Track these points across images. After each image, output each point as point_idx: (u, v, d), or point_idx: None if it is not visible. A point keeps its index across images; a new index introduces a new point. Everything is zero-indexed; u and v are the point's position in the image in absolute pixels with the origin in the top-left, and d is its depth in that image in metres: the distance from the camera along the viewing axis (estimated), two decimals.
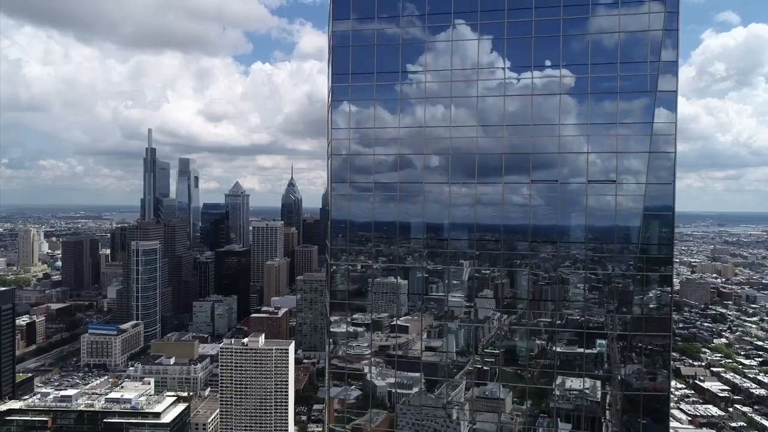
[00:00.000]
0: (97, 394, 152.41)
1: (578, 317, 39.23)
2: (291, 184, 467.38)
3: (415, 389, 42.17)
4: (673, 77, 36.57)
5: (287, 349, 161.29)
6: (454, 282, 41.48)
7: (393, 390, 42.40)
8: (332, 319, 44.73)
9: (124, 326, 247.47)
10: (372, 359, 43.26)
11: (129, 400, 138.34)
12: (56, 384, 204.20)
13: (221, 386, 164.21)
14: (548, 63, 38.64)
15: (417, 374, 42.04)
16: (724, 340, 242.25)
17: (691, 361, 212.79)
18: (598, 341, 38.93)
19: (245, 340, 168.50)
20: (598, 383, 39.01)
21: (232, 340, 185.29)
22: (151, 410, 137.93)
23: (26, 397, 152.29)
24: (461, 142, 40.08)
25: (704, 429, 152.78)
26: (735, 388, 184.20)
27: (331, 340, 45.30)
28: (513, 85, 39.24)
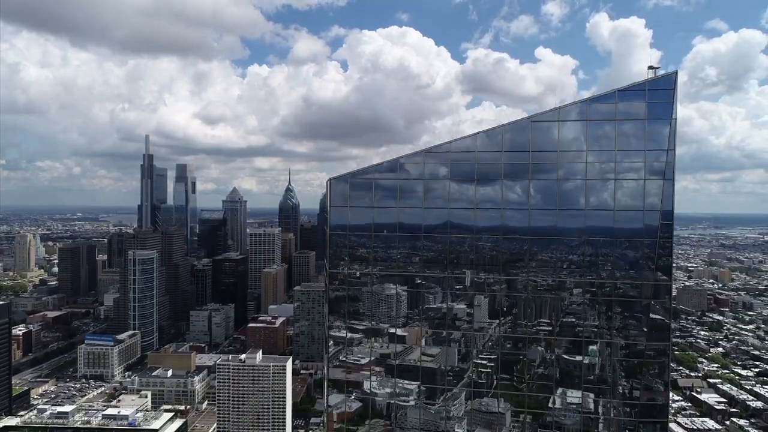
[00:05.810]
0: (94, 409, 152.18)
1: (575, 326, 39.27)
2: (289, 189, 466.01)
3: (413, 401, 41.92)
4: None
5: (284, 366, 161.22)
6: (456, 287, 41.28)
7: (392, 401, 42.20)
8: (330, 328, 44.47)
9: (120, 336, 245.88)
10: (371, 369, 43.01)
11: (126, 417, 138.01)
12: (53, 396, 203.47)
13: (218, 402, 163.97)
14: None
15: (415, 384, 41.84)
16: (720, 349, 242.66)
17: (688, 372, 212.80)
18: (592, 349, 38.88)
19: (242, 356, 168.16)
20: (594, 394, 38.90)
21: (230, 356, 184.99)
22: (147, 427, 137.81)
23: (23, 412, 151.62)
24: None
25: None
26: (732, 401, 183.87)
27: (329, 351, 44.86)
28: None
